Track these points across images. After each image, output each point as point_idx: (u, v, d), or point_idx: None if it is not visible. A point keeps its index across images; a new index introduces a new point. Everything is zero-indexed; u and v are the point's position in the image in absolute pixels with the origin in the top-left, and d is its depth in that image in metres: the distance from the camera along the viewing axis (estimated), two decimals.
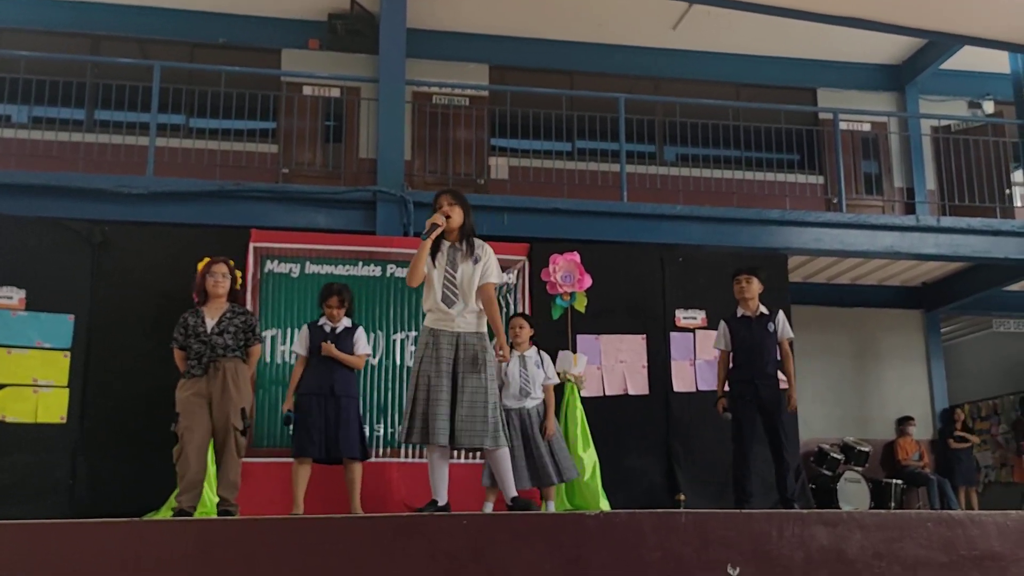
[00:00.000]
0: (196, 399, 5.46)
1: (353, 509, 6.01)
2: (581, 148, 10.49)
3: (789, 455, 6.32)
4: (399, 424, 7.15)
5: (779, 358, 6.42)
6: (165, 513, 6.15)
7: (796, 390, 6.46)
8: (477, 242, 4.87)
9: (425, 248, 4.70)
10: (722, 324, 6.59)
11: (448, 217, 4.76)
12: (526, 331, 6.57)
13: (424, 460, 7.07)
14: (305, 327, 6.33)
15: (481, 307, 4.82)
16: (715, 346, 6.67)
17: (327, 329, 6.23)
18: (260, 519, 3.88)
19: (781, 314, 6.51)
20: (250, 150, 9.43)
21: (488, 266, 4.83)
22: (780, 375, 6.44)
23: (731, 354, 6.50)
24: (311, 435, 6.00)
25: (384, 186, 8.27)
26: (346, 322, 6.31)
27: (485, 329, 4.84)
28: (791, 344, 6.56)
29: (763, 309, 6.48)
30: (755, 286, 6.46)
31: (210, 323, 5.61)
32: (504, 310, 7.59)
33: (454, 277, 4.73)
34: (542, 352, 6.66)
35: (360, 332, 6.34)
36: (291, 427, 6.17)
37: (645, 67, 11.19)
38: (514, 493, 4.70)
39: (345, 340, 6.23)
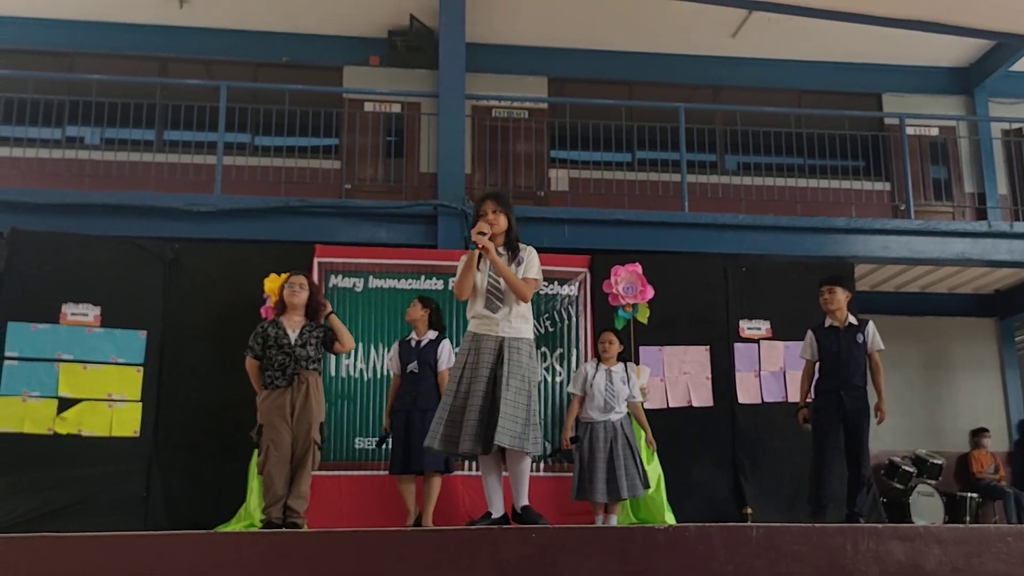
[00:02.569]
0: (279, 411, 5.53)
1: (425, 521, 6.04)
2: (641, 158, 10.43)
3: (866, 470, 6.17)
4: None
5: (867, 370, 6.27)
6: (237, 524, 6.26)
7: (886, 402, 6.28)
8: (521, 245, 4.65)
9: (473, 260, 4.50)
10: (809, 333, 6.47)
11: (492, 226, 4.51)
12: (615, 347, 6.63)
13: None
14: (395, 344, 6.45)
15: (527, 312, 4.59)
16: (801, 355, 6.54)
17: (412, 344, 6.33)
18: (330, 531, 3.91)
19: (871, 325, 6.35)
20: (313, 166, 9.57)
21: (528, 263, 4.58)
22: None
23: (817, 364, 6.39)
24: (396, 451, 6.14)
25: (445, 200, 8.35)
26: (431, 335, 6.37)
27: (531, 335, 4.62)
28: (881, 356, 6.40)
29: (852, 319, 6.34)
30: (839, 296, 6.34)
31: (292, 335, 5.69)
32: (566, 323, 7.59)
33: (498, 283, 4.54)
34: (630, 370, 6.68)
35: (444, 345, 6.40)
36: (387, 445, 6.32)
37: (705, 76, 11.12)
38: (525, 502, 4.53)
39: (429, 353, 6.30)
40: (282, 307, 5.85)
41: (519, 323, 4.56)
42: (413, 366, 6.24)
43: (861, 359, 6.25)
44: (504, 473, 4.62)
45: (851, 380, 6.18)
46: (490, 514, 4.52)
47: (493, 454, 4.46)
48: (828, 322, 6.39)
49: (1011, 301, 10.64)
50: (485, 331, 4.52)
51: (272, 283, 6.44)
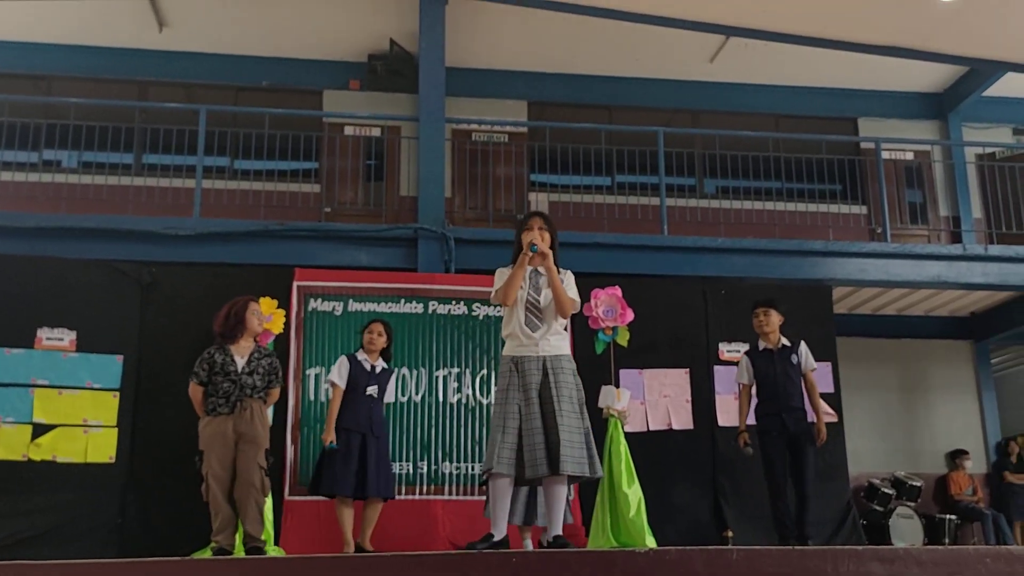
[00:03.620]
0: (221, 438, 5.43)
1: (364, 545, 5.98)
2: (621, 182, 10.50)
3: (809, 489, 6.17)
4: (443, 460, 7.15)
5: (804, 390, 6.33)
6: (209, 552, 6.17)
7: (824, 422, 6.31)
8: (560, 268, 4.69)
9: (523, 266, 4.53)
10: (744, 358, 6.55)
11: (538, 238, 4.56)
12: None
13: (468, 497, 7.08)
14: (344, 359, 6.29)
15: (564, 329, 4.66)
16: (737, 379, 6.63)
17: (367, 367, 6.24)
18: (307, 557, 3.87)
19: (804, 345, 6.44)
20: (293, 190, 9.57)
21: (568, 283, 4.64)
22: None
23: (754, 388, 6.44)
24: (348, 472, 5.98)
25: (425, 223, 8.35)
26: (382, 363, 6.33)
27: (569, 351, 4.67)
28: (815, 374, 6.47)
29: (785, 341, 6.41)
30: (774, 318, 6.41)
31: (240, 362, 5.58)
32: None
33: (537, 301, 4.57)
34: None
35: (393, 379, 6.43)
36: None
37: (683, 100, 11.22)
38: (560, 530, 4.56)
39: (384, 380, 6.29)
40: (233, 331, 5.69)
41: (558, 340, 4.61)
42: (373, 391, 6.19)
43: (798, 380, 6.32)
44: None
45: (790, 402, 6.23)
46: (491, 536, 4.46)
47: (510, 478, 4.45)
48: (762, 345, 6.45)
49: (987, 323, 10.74)
50: (525, 352, 4.53)
51: (267, 307, 6.42)
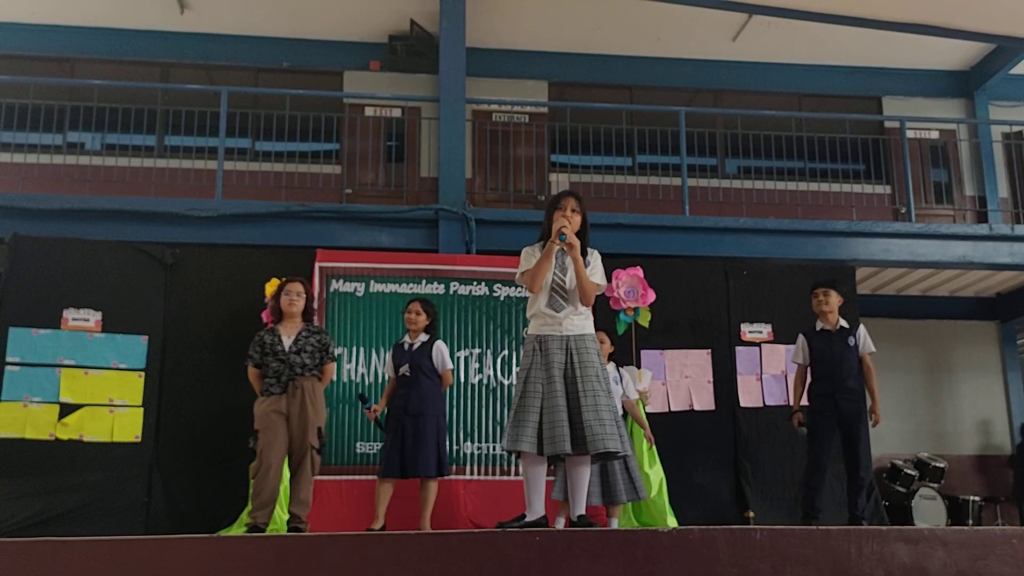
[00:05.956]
0: (275, 416, 5.52)
1: (422, 525, 6.04)
2: (642, 162, 10.44)
3: (865, 472, 6.18)
4: (465, 441, 7.18)
5: (860, 373, 6.29)
6: (238, 529, 6.24)
7: (880, 404, 6.29)
8: (588, 249, 4.62)
9: (551, 255, 4.47)
10: (801, 338, 6.50)
11: (567, 225, 4.47)
12: (606, 346, 6.54)
13: (489, 477, 7.12)
14: (392, 349, 6.46)
15: (587, 309, 4.56)
16: (793, 360, 6.58)
17: (405, 347, 6.30)
18: (333, 535, 3.90)
19: (863, 328, 6.40)
20: (314, 171, 9.59)
21: (594, 267, 4.57)
22: None
23: (809, 368, 6.42)
24: (389, 455, 6.11)
25: (446, 204, 8.34)
26: (423, 337, 6.34)
27: (593, 331, 4.59)
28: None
29: (843, 323, 6.38)
30: (834, 299, 6.37)
31: (287, 342, 5.67)
32: None
33: (563, 281, 4.52)
34: (621, 369, 6.64)
35: (439, 346, 6.36)
36: (365, 404, 6.40)
37: (705, 80, 11.12)
38: (583, 510, 4.58)
39: (421, 355, 6.27)
40: (279, 313, 5.83)
41: (581, 320, 4.54)
42: (405, 369, 6.21)
43: (854, 362, 6.29)
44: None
45: (845, 383, 6.20)
46: (524, 516, 4.47)
47: (541, 456, 4.42)
48: (820, 326, 6.41)
49: (1013, 304, 10.63)
50: (549, 331, 4.49)
51: (274, 288, 6.43)
